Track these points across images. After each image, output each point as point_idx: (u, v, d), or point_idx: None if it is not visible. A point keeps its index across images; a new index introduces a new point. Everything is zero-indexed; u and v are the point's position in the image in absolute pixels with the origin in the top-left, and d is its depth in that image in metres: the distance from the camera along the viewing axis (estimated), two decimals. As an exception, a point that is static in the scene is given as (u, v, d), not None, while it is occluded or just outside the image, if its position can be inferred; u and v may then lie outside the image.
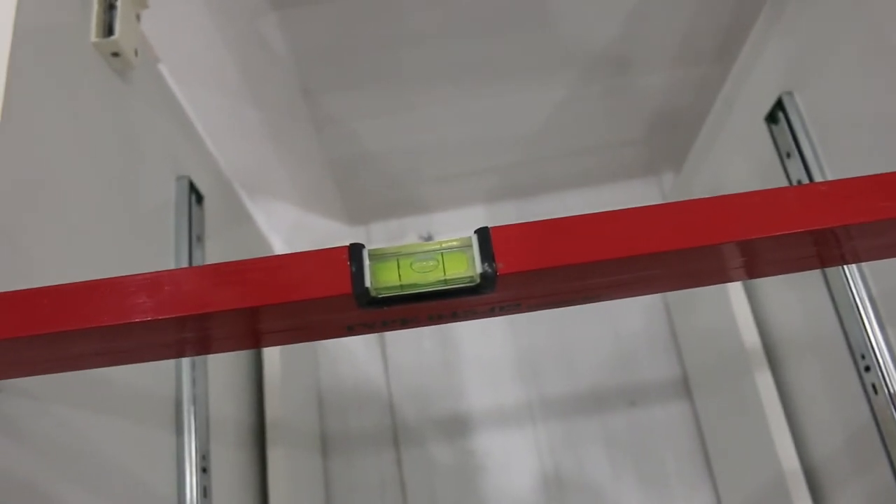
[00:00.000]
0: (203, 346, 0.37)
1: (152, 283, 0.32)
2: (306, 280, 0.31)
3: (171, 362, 0.69)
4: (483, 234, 0.32)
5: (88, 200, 0.57)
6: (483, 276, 0.32)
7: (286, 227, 1.21)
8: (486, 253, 0.31)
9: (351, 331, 0.36)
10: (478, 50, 0.99)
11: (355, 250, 0.32)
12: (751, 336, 0.95)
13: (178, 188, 0.75)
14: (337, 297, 0.31)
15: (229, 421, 0.81)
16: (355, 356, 1.19)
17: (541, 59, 1.03)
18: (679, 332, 1.19)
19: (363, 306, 0.32)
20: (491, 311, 0.35)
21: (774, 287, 0.93)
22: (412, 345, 1.20)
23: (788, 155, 0.79)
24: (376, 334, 1.20)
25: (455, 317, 0.35)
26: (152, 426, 0.64)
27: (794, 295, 0.88)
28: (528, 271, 0.31)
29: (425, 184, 1.23)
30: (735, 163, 0.96)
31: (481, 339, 1.20)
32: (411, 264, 0.32)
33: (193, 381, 0.69)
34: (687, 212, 0.32)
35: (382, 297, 0.32)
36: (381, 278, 0.32)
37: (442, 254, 0.32)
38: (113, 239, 0.61)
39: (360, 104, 1.05)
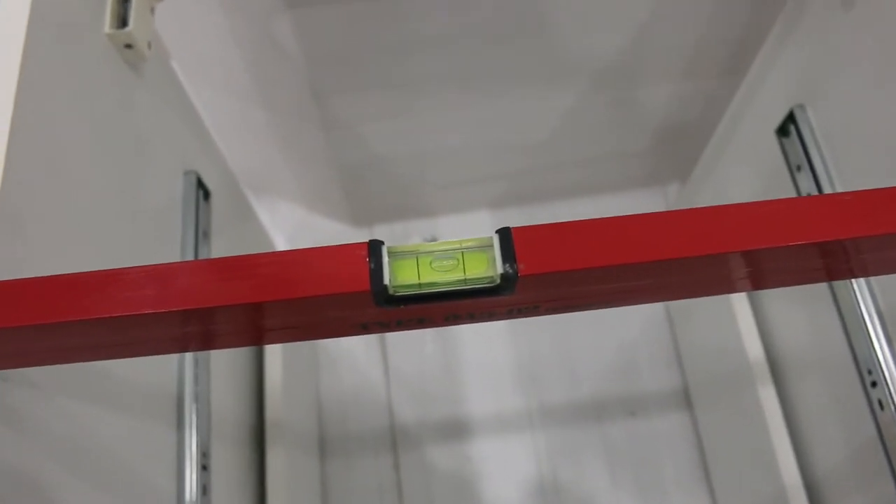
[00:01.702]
0: (212, 341, 0.36)
1: (162, 274, 0.32)
2: (323, 276, 0.31)
3: (173, 359, 0.68)
4: (504, 234, 0.31)
5: (96, 191, 0.57)
6: (504, 276, 0.31)
7: (290, 227, 1.21)
8: (508, 253, 0.31)
9: (365, 329, 0.35)
10: (486, 57, 0.99)
11: (374, 247, 0.32)
12: (755, 349, 0.94)
13: (186, 183, 0.75)
14: (354, 294, 0.31)
15: (230, 420, 0.81)
16: (356, 359, 1.19)
17: (549, 68, 1.03)
18: (681, 344, 1.18)
19: (380, 304, 0.32)
20: (508, 313, 0.35)
21: (780, 300, 0.92)
22: (413, 349, 1.19)
23: (799, 168, 0.79)
24: (377, 338, 1.19)
25: (472, 318, 0.35)
26: (154, 421, 0.63)
27: (799, 308, 0.87)
28: (550, 273, 0.31)
29: (431, 188, 1.23)
30: (743, 175, 0.96)
31: (483, 345, 1.19)
32: (431, 263, 0.32)
33: (196, 379, 0.68)
34: (712, 217, 0.32)
35: (400, 296, 0.32)
36: (400, 276, 0.32)
37: (462, 253, 0.32)
38: (119, 231, 0.60)
39: (368, 108, 1.04)
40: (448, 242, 0.32)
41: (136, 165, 0.65)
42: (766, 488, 0.92)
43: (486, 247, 0.32)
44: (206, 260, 0.32)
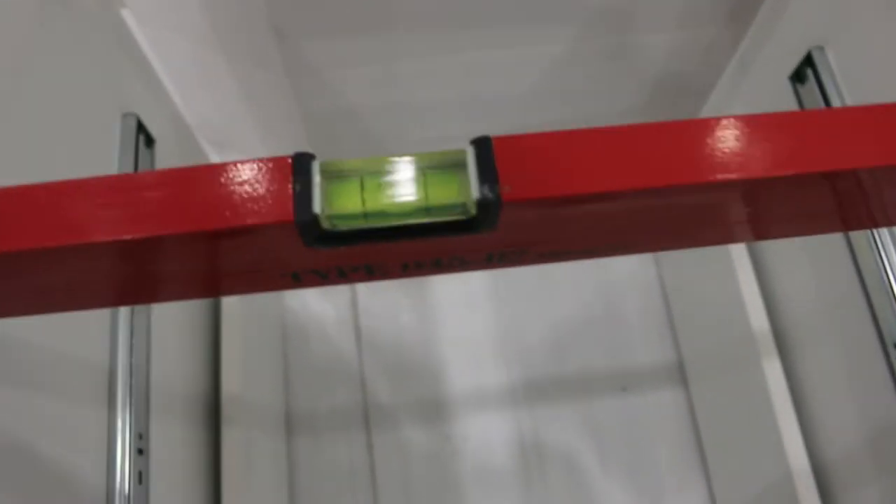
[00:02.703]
0: (87, 288, 0.27)
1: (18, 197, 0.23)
2: (229, 201, 0.22)
3: (105, 325, 0.59)
4: (483, 145, 0.22)
5: (5, 125, 0.48)
6: (481, 204, 0.22)
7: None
8: (488, 172, 0.22)
9: (298, 281, 0.26)
10: (472, -3, 0.90)
11: (301, 162, 0.22)
12: (758, 317, 0.87)
13: (124, 127, 0.65)
14: (272, 228, 0.22)
15: (176, 394, 0.72)
16: (325, 328, 1.10)
17: (540, 12, 0.95)
18: (676, 313, 1.11)
19: (310, 244, 0.23)
20: (488, 260, 0.26)
21: (788, 260, 0.85)
22: (388, 316, 1.11)
23: (817, 117, 0.71)
24: (348, 304, 1.11)
25: (438, 266, 0.26)
26: (78, 399, 0.54)
27: (811, 269, 0.80)
28: (545, 199, 0.22)
29: (407, 145, 1.14)
30: (749, 129, 0.87)
31: (464, 314, 1.12)
32: (380, 186, 0.22)
33: (131, 349, 0.59)
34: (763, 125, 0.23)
35: (338, 232, 0.23)
36: (338, 204, 0.22)
37: (425, 173, 0.22)
38: (38, 175, 0.51)
39: (339, 52, 0.96)
40: (406, 156, 0.23)
41: (58, 101, 0.55)
42: (769, 473, 0.86)
43: (457, 165, 0.23)
44: (72, 182, 0.23)
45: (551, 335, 1.12)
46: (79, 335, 0.55)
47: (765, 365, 0.85)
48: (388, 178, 0.23)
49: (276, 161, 0.23)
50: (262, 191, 0.22)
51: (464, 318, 1.12)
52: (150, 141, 0.69)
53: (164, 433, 0.65)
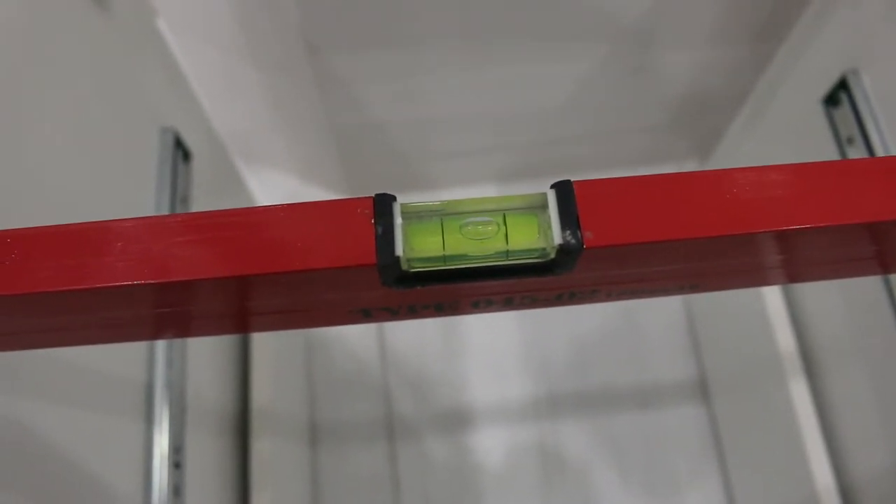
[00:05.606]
0: (162, 325, 0.27)
1: (97, 234, 0.23)
2: (309, 242, 0.22)
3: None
4: (564, 189, 0.22)
5: (48, 142, 0.48)
6: (563, 249, 0.22)
7: (281, 197, 1.12)
8: (569, 217, 0.22)
9: (367, 317, 0.26)
10: (499, 15, 0.90)
11: (383, 204, 0.23)
12: (785, 336, 0.86)
13: (162, 141, 0.66)
14: (353, 270, 0.22)
15: (210, 409, 0.72)
16: (349, 339, 1.11)
17: (566, 29, 0.94)
18: (701, 330, 1.10)
19: (389, 284, 0.23)
20: (557, 299, 0.26)
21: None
22: (412, 330, 1.11)
23: (850, 141, 0.71)
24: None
25: (509, 304, 0.26)
26: (117, 415, 0.55)
27: (840, 288, 0.79)
28: (626, 245, 0.22)
29: (434, 159, 1.14)
30: (777, 151, 0.87)
31: (488, 328, 1.11)
32: (461, 227, 0.23)
33: (169, 363, 0.60)
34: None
35: (418, 272, 0.23)
36: (419, 245, 0.23)
37: (504, 215, 0.23)
38: (77, 193, 0.51)
39: (368, 67, 0.96)
40: (485, 200, 0.23)
41: (101, 115, 0.56)
42: (794, 493, 0.85)
43: (537, 207, 0.23)
44: (154, 218, 0.23)
45: (574, 349, 1.12)
46: (118, 352, 0.56)
47: (791, 384, 0.84)
48: (469, 220, 0.23)
49: (356, 202, 0.23)
50: (343, 233, 0.22)
51: (487, 332, 1.12)
52: (186, 156, 0.69)
53: (198, 446, 0.66)
